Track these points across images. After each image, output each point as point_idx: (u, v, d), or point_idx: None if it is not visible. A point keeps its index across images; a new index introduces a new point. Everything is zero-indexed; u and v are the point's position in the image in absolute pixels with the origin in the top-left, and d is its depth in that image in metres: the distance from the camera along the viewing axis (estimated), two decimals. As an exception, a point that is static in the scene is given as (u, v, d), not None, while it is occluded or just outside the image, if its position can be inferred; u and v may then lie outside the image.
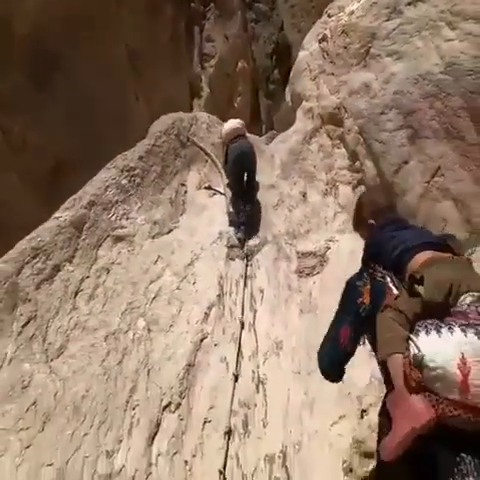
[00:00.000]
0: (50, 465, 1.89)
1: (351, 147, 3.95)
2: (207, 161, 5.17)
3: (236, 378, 2.44)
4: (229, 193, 4.10)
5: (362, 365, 2.34)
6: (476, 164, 3.08)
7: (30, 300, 2.69)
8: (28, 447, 1.92)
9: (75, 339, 2.59)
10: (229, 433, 2.18)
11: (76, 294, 2.93)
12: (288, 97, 5.49)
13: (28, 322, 2.59)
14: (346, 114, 4.10)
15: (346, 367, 1.38)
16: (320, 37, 5.05)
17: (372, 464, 1.82)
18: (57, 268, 2.98)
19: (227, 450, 2.10)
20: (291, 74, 5.42)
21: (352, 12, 4.57)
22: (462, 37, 3.17)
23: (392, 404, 1.05)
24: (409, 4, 3.79)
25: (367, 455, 1.85)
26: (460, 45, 3.17)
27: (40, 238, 3.02)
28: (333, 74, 4.52)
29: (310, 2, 11.30)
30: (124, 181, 3.97)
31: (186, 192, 4.65)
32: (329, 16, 5.09)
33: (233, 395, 2.33)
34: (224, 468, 2.01)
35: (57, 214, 3.31)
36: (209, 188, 4.69)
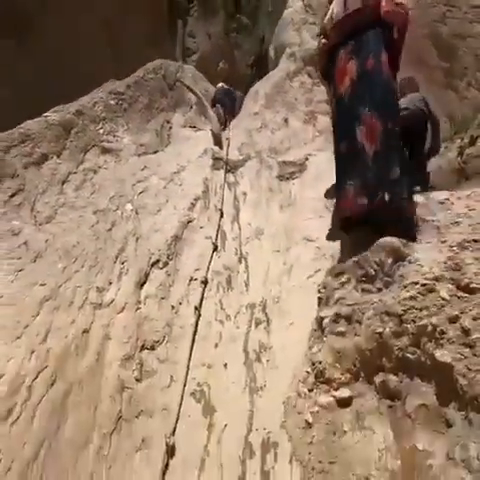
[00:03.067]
0: (43, 285, 1.94)
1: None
2: (192, 107, 5.29)
3: (215, 247, 2.57)
4: None
5: (337, 233, 2.55)
6: (437, 86, 3.42)
7: (18, 176, 2.70)
8: (21, 270, 1.96)
9: (63, 213, 2.63)
10: (205, 283, 2.31)
11: (64, 183, 2.96)
12: (272, 53, 5.72)
13: (15, 194, 2.60)
14: (326, 54, 4.36)
15: None
16: (304, -6, 5.32)
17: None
18: (45, 157, 2.99)
19: (203, 294, 2.22)
20: (276, 31, 5.66)
21: (334, -32, 4.89)
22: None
23: None
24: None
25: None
26: None
27: (28, 128, 3.03)
28: (315, 23, 4.80)
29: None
30: (112, 102, 4.03)
31: (171, 128, 4.75)
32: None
33: (211, 257, 2.46)
34: (200, 305, 2.13)
35: (45, 114, 3.33)
36: (194, 127, 4.83)
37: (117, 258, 2.35)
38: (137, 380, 1.95)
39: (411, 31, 3.63)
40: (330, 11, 2.59)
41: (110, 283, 2.18)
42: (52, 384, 1.70)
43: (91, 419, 1.73)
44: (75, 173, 3.14)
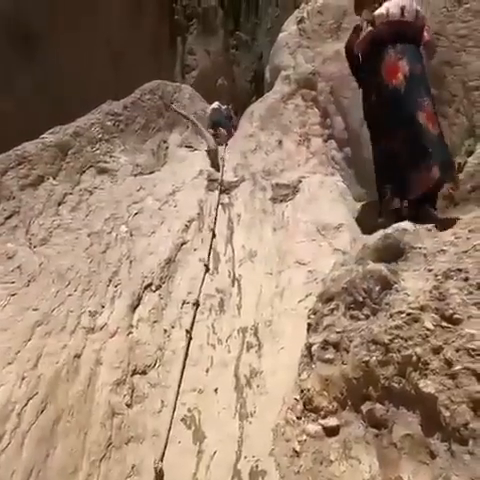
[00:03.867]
0: (35, 310, 1.96)
1: (322, 105, 4.34)
2: (188, 127, 5.40)
3: (207, 269, 2.61)
4: None
5: (328, 257, 2.59)
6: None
7: (14, 198, 2.75)
8: (13, 295, 1.98)
9: (58, 235, 2.67)
10: (197, 306, 2.33)
11: (59, 204, 3.01)
12: (267, 74, 5.86)
13: (11, 216, 2.64)
14: (319, 78, 4.50)
15: None
16: (298, 19, 5.50)
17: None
18: (41, 178, 3.05)
19: (194, 317, 2.25)
20: (270, 53, 5.82)
21: (327, -4, 5.07)
22: (418, 5, 3.69)
23: None
24: (375, -17, 4.32)
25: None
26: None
27: (25, 150, 3.10)
28: (308, 47, 4.95)
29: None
30: (108, 123, 4.12)
31: (168, 148, 4.83)
32: (306, 2, 5.58)
33: (203, 279, 2.50)
34: (191, 329, 2.15)
35: (42, 136, 3.40)
36: (190, 147, 4.92)
37: (110, 281, 2.38)
38: (128, 405, 1.96)
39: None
40: (385, 8, 2.83)
41: (103, 307, 2.21)
42: (42, 411, 1.71)
43: (80, 446, 1.73)
44: (71, 194, 3.20)
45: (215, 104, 6.25)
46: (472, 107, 3.28)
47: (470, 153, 2.70)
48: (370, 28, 2.90)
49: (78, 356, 1.94)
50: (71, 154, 3.48)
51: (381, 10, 2.86)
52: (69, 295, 2.15)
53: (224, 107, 6.36)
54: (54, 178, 3.17)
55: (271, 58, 5.72)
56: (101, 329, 2.09)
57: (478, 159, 2.60)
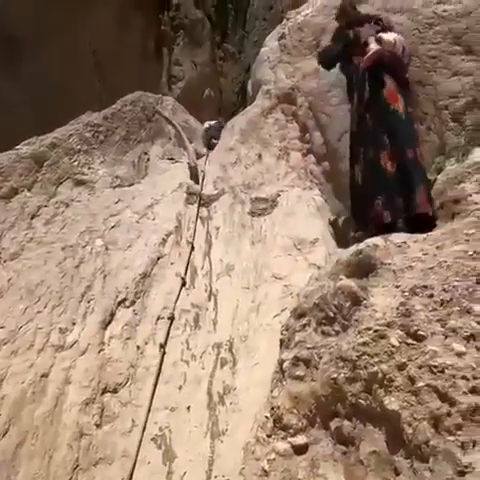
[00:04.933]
0: (1, 328, 1.91)
1: (302, 120, 4.42)
2: (170, 139, 5.41)
3: (184, 283, 2.60)
4: None
5: (303, 272, 2.62)
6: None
7: (-15, 210, 2.70)
8: (-21, 312, 1.93)
9: (30, 249, 2.62)
10: (172, 319, 2.32)
11: (33, 216, 2.96)
12: (249, 87, 5.95)
13: (-18, 230, 2.59)
14: (299, 93, 4.59)
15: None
16: (279, 35, 5.62)
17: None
18: (15, 191, 3.00)
19: (168, 331, 2.23)
20: (252, 68, 5.91)
21: (307, 14, 5.22)
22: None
23: None
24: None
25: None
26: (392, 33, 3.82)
27: (-1, 161, 3.05)
28: (289, 63, 5.06)
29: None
30: (88, 134, 4.09)
31: (149, 160, 4.83)
32: (287, 19, 5.72)
33: (179, 293, 2.48)
34: (165, 345, 2.14)
35: (17, 147, 3.35)
36: (172, 159, 4.93)
37: (83, 297, 2.35)
38: (97, 426, 1.92)
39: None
40: (392, 38, 2.96)
41: (74, 323, 2.17)
42: (5, 433, 1.66)
43: (45, 470, 1.68)
44: (46, 206, 3.15)
45: (206, 124, 6.29)
46: (442, 125, 3.40)
47: (439, 170, 2.79)
48: (379, 47, 2.93)
49: (45, 375, 1.90)
50: (47, 166, 3.44)
51: (389, 38, 2.95)
52: (38, 312, 2.11)
53: (213, 122, 6.41)
54: (29, 190, 3.12)
55: (253, 72, 5.82)
56: (71, 347, 2.05)
57: (447, 176, 2.68)
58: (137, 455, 1.82)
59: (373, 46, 2.91)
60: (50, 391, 1.85)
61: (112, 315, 2.31)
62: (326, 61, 3.27)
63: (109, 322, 2.27)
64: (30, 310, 2.08)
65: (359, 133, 2.94)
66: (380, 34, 2.99)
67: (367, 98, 2.91)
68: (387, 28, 3.07)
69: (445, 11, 3.75)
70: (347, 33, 3.10)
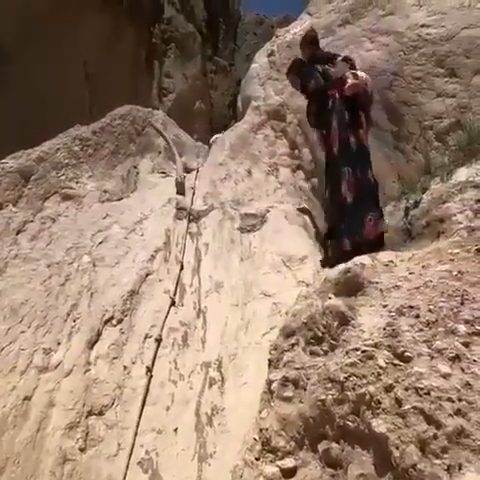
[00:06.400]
0: (-17, 350, 1.86)
1: (291, 137, 4.49)
2: (160, 152, 5.43)
3: (173, 302, 2.58)
4: None
5: (292, 289, 2.63)
6: (387, 146, 3.74)
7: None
8: (-40, 334, 1.87)
9: (14, 266, 2.57)
10: (159, 341, 2.29)
11: (18, 232, 2.92)
12: (239, 103, 6.03)
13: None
14: (288, 110, 4.68)
15: None
16: (269, 52, 5.75)
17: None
18: None
19: (156, 352, 2.20)
20: (242, 83, 6.01)
21: (295, 32, 5.35)
22: (378, 48, 3.96)
23: None
24: (340, 25, 4.62)
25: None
26: (377, 53, 3.94)
27: (-15, 175, 3.01)
28: (278, 79, 5.16)
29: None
30: (76, 148, 4.08)
31: (138, 174, 4.82)
32: (276, 36, 5.85)
33: (168, 312, 2.46)
34: (152, 366, 2.11)
35: (2, 161, 3.32)
36: (163, 173, 4.94)
37: (68, 315, 2.31)
38: (81, 450, 1.87)
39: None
40: (365, 75, 3.16)
41: (58, 344, 2.13)
42: (-16, 461, 1.61)
43: (26, 498, 1.63)
44: (32, 222, 3.11)
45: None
46: (427, 145, 3.49)
47: (425, 189, 2.85)
48: (357, 81, 3.12)
49: (28, 398, 1.85)
50: (34, 180, 3.41)
51: (363, 75, 3.18)
52: (22, 332, 2.06)
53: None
54: (14, 205, 3.08)
55: (242, 88, 5.91)
56: (55, 368, 2.00)
57: (432, 196, 2.74)
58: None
59: (351, 80, 3.06)
60: (33, 415, 1.80)
61: (98, 334, 2.27)
62: (303, 89, 3.48)
63: (95, 341, 2.23)
64: (13, 330, 2.03)
65: (342, 155, 3.00)
66: (356, 71, 3.17)
67: (348, 124, 3.01)
68: (355, 67, 3.28)
69: (429, 34, 3.89)
70: (316, 68, 3.27)
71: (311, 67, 3.38)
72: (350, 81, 3.01)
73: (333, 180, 2.92)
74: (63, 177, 3.72)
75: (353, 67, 3.26)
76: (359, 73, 3.16)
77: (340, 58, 3.30)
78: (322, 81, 3.24)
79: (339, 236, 2.78)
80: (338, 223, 2.83)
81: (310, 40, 3.66)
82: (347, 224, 2.74)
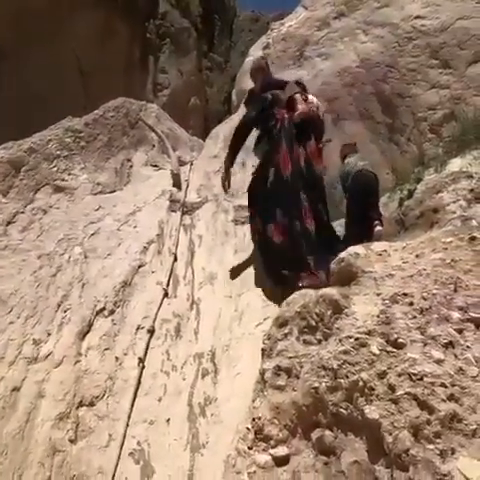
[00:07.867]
0: (-29, 340, 1.82)
1: (286, 129, 4.45)
2: (154, 145, 5.37)
3: (166, 293, 2.55)
4: None
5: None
6: (381, 138, 3.74)
7: (-42, 217, 2.59)
8: None
9: (4, 257, 2.53)
10: (152, 332, 2.27)
11: (8, 223, 2.87)
12: (234, 96, 6.00)
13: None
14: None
15: None
16: (264, 45, 5.72)
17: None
18: (-10, 197, 2.91)
19: (148, 343, 2.18)
20: (237, 76, 5.98)
21: (290, 25, 5.32)
22: (373, 40, 3.95)
23: None
24: (335, 18, 4.60)
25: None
26: (371, 45, 3.93)
27: (-26, 166, 2.95)
28: (273, 72, 5.12)
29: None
30: (68, 139, 4.02)
31: (132, 167, 4.77)
32: (271, 29, 5.82)
33: (161, 304, 2.43)
34: (144, 356, 2.08)
35: (-6, 152, 3.26)
36: (156, 166, 4.89)
37: (59, 306, 2.27)
38: (71, 441, 1.84)
39: (359, 88, 4.02)
40: (316, 101, 3.08)
41: (49, 334, 2.09)
42: (-29, 452, 1.57)
43: (14, 490, 1.60)
44: (23, 213, 3.06)
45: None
46: (421, 136, 3.49)
47: (419, 180, 2.85)
48: (307, 106, 3.01)
49: (17, 389, 1.81)
50: (25, 171, 3.35)
51: (314, 99, 3.12)
52: (11, 322, 2.03)
53: None
54: (4, 196, 3.03)
55: (237, 81, 5.88)
56: (45, 358, 1.97)
57: (426, 186, 2.74)
58: (115, 471, 1.75)
59: (300, 106, 2.95)
60: (21, 406, 1.76)
61: (90, 325, 2.24)
62: (250, 124, 3.37)
63: (87, 332, 2.20)
64: (1, 321, 2.00)
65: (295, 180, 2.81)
66: (307, 95, 3.09)
67: (298, 147, 2.87)
68: (306, 90, 3.20)
69: (423, 26, 3.88)
70: (265, 96, 3.12)
71: (259, 96, 3.24)
72: (300, 106, 2.89)
73: (312, 196, 2.76)
74: (55, 169, 3.67)
75: (304, 90, 3.17)
76: (310, 97, 3.07)
77: (292, 81, 3.23)
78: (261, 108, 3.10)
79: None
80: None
81: (259, 68, 3.55)
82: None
